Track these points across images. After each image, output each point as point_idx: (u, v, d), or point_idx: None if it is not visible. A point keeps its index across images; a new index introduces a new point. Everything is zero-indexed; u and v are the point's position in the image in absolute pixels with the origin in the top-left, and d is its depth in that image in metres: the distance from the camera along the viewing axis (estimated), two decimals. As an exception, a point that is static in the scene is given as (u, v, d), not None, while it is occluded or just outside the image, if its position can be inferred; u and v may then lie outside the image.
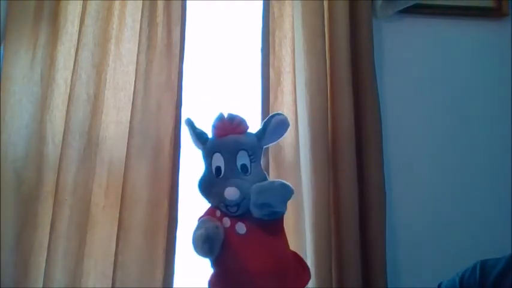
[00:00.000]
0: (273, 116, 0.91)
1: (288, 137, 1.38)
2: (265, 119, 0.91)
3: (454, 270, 1.00)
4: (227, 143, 0.90)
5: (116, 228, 1.31)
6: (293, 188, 0.88)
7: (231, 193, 0.86)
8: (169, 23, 1.42)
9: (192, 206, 1.39)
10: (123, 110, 1.39)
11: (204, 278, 1.37)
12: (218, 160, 0.90)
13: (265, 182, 0.89)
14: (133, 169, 1.33)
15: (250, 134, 0.92)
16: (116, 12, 1.43)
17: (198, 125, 0.96)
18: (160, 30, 1.41)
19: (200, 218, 0.95)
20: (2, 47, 1.39)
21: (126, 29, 1.43)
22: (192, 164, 1.43)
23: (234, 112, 0.95)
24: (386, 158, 1.46)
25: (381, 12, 1.56)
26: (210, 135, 0.96)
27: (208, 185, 0.90)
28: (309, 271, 0.94)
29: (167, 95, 1.39)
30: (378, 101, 1.47)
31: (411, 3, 1.57)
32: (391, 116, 1.53)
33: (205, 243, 0.84)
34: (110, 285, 1.28)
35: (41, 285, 1.27)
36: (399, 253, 1.47)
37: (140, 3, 1.42)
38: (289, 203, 0.96)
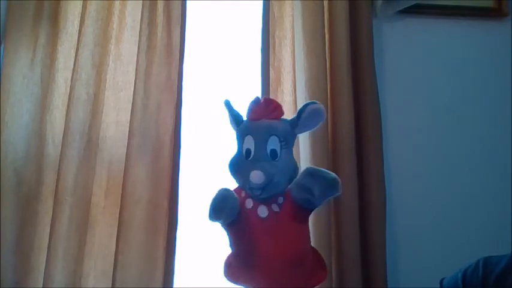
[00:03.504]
0: (307, 105, 0.91)
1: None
2: (301, 107, 0.91)
3: (454, 270, 1.00)
4: (260, 127, 0.90)
5: (116, 228, 1.31)
6: (341, 188, 0.87)
7: (256, 176, 0.85)
8: (169, 23, 1.42)
9: (192, 206, 1.40)
10: (123, 110, 1.39)
11: (204, 278, 1.38)
12: (249, 142, 0.90)
13: (320, 169, 0.89)
14: (134, 169, 1.33)
15: (285, 120, 0.92)
16: (116, 12, 1.43)
17: (236, 106, 0.97)
18: (160, 30, 1.41)
19: None
20: (2, 47, 1.39)
21: (126, 29, 1.43)
22: (192, 164, 1.45)
23: (271, 97, 0.94)
24: (386, 158, 1.46)
25: (380, 12, 1.56)
26: (245, 117, 0.96)
27: (238, 166, 0.91)
28: (327, 270, 0.93)
29: (167, 95, 1.39)
30: (378, 101, 1.47)
31: (411, 3, 1.56)
32: (391, 116, 1.53)
33: (210, 205, 0.85)
34: (110, 285, 1.28)
35: (41, 285, 1.27)
36: (399, 253, 1.47)
37: (140, 3, 1.42)
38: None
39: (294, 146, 1.40)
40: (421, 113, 1.58)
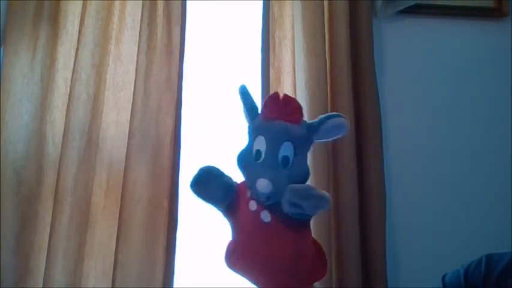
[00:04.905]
0: (333, 116, 0.81)
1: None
2: (325, 114, 0.81)
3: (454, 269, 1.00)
4: (274, 129, 0.81)
5: (116, 228, 1.31)
6: (330, 202, 0.80)
7: (263, 185, 0.79)
8: (169, 23, 1.42)
9: (192, 206, 1.40)
10: (123, 110, 1.39)
11: (204, 278, 1.38)
12: (260, 144, 0.81)
13: (303, 186, 0.82)
14: (134, 169, 1.33)
15: (303, 124, 0.82)
16: (116, 12, 1.43)
17: (252, 95, 0.85)
18: (160, 30, 1.41)
19: None
20: (2, 47, 1.39)
21: (126, 29, 1.43)
22: (192, 164, 1.44)
23: (291, 96, 0.84)
24: (386, 158, 1.46)
25: (380, 12, 1.56)
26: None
27: (245, 165, 0.84)
28: (327, 265, 0.91)
29: (167, 95, 1.39)
30: (378, 101, 1.47)
31: (411, 3, 1.57)
32: (391, 116, 1.53)
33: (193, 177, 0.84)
34: (110, 285, 1.28)
35: (41, 285, 1.27)
36: (399, 253, 1.47)
37: (140, 3, 1.42)
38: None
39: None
40: (421, 113, 1.58)
